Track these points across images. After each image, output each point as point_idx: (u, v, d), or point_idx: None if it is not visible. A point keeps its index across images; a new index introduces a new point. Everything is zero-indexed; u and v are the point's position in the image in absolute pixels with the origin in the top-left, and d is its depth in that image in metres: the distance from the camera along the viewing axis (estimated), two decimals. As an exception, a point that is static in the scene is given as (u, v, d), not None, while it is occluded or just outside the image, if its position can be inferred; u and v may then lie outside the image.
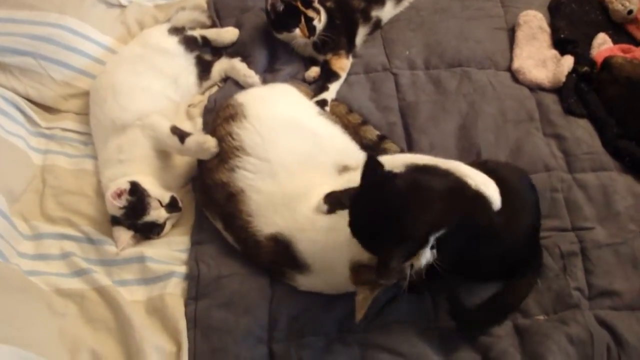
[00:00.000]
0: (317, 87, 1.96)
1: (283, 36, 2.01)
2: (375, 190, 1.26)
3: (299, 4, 1.95)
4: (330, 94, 1.91)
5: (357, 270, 1.38)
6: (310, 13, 1.95)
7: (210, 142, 1.61)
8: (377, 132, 1.82)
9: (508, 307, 1.53)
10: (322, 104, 1.86)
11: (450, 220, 1.26)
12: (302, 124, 1.68)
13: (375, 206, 1.26)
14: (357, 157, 1.64)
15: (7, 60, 1.93)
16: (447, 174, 1.37)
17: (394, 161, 1.43)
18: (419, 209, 1.23)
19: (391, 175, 1.28)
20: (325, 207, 1.47)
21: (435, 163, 1.43)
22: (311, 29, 1.96)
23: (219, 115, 1.71)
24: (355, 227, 1.28)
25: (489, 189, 1.38)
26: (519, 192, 1.55)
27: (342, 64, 1.99)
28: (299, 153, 1.59)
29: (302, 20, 1.94)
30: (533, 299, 1.54)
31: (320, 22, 1.98)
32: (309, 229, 1.49)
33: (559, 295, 1.54)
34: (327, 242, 1.46)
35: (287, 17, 1.96)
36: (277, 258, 1.54)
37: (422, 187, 1.27)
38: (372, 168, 1.27)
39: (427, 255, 1.26)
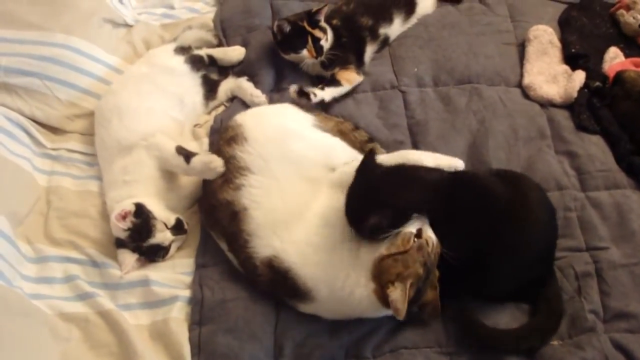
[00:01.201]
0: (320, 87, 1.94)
1: (290, 57, 2.00)
2: (365, 177, 1.44)
3: (306, 25, 1.93)
4: (322, 93, 1.90)
5: (381, 266, 1.37)
6: (317, 33, 1.94)
7: (217, 162, 1.60)
8: (384, 152, 1.78)
9: (548, 329, 1.50)
10: (303, 94, 1.86)
11: (427, 199, 1.43)
12: (301, 138, 1.66)
13: (365, 188, 1.43)
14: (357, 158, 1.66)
15: (13, 81, 1.92)
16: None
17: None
18: (396, 187, 1.43)
19: (380, 165, 1.49)
20: None
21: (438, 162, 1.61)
22: (318, 49, 1.95)
23: (221, 137, 1.70)
24: (348, 210, 1.43)
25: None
26: (532, 201, 1.54)
27: (350, 77, 1.97)
28: (300, 168, 1.59)
29: (309, 41, 1.93)
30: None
31: (327, 41, 1.96)
32: (309, 252, 1.47)
33: (574, 319, 1.51)
34: (331, 261, 1.44)
35: (294, 38, 1.95)
36: (275, 287, 1.52)
37: (402, 172, 1.51)
38: (368, 160, 1.46)
39: (431, 234, 1.41)
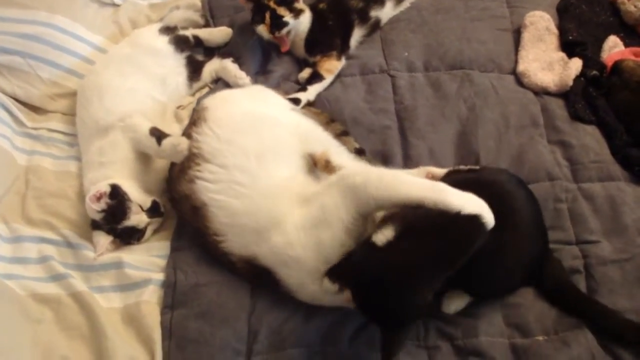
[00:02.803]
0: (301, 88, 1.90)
1: (258, 33, 1.97)
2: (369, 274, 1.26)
3: (271, 2, 1.90)
4: (307, 94, 1.85)
5: None
6: (281, 11, 1.90)
7: (184, 144, 1.56)
8: (356, 145, 1.74)
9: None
10: (294, 102, 1.80)
11: (453, 263, 1.25)
12: (262, 116, 1.61)
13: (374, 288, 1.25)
14: (326, 143, 1.61)
15: (-5, 59, 1.91)
16: (439, 219, 1.27)
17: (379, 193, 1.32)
18: (409, 289, 1.24)
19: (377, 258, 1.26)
20: (335, 287, 1.32)
21: (422, 195, 1.28)
22: (278, 25, 1.90)
23: (190, 120, 1.67)
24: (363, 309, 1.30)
25: (482, 211, 1.28)
26: (518, 205, 1.46)
27: (331, 66, 1.92)
28: (259, 150, 1.51)
29: (268, 15, 1.89)
30: (534, 317, 1.47)
31: (295, 20, 1.92)
32: (293, 267, 1.41)
33: (561, 315, 1.47)
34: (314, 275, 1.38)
35: (256, 14, 1.93)
36: (256, 280, 1.49)
37: (409, 263, 1.25)
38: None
39: None
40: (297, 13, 1.92)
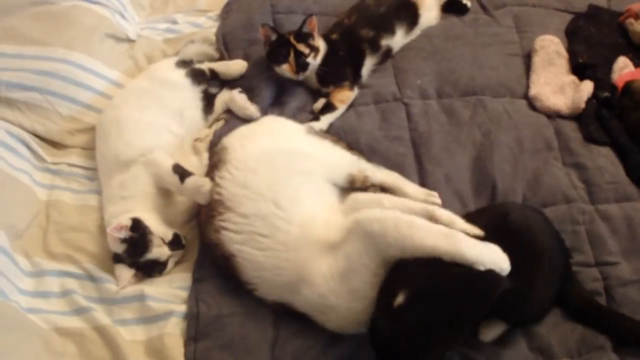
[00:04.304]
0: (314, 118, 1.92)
1: (275, 70, 1.96)
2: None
3: (292, 38, 1.90)
4: (319, 124, 1.86)
5: None
6: (302, 48, 1.90)
7: (207, 186, 1.57)
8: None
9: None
10: None
11: (469, 321, 1.25)
12: (279, 152, 1.61)
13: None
14: (351, 159, 1.66)
15: (15, 95, 1.93)
16: (453, 278, 1.26)
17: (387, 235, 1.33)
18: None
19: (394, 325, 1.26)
20: None
21: (437, 246, 1.28)
22: (301, 65, 1.90)
23: (211, 161, 1.69)
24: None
25: (499, 262, 1.27)
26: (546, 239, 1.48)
27: (344, 96, 1.94)
28: (275, 194, 1.51)
29: (292, 54, 1.89)
30: (557, 340, 1.47)
31: (315, 58, 1.93)
32: (330, 314, 1.43)
33: (584, 337, 1.47)
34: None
35: (278, 50, 1.92)
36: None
37: (421, 328, 1.24)
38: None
39: None
40: (315, 51, 1.92)
